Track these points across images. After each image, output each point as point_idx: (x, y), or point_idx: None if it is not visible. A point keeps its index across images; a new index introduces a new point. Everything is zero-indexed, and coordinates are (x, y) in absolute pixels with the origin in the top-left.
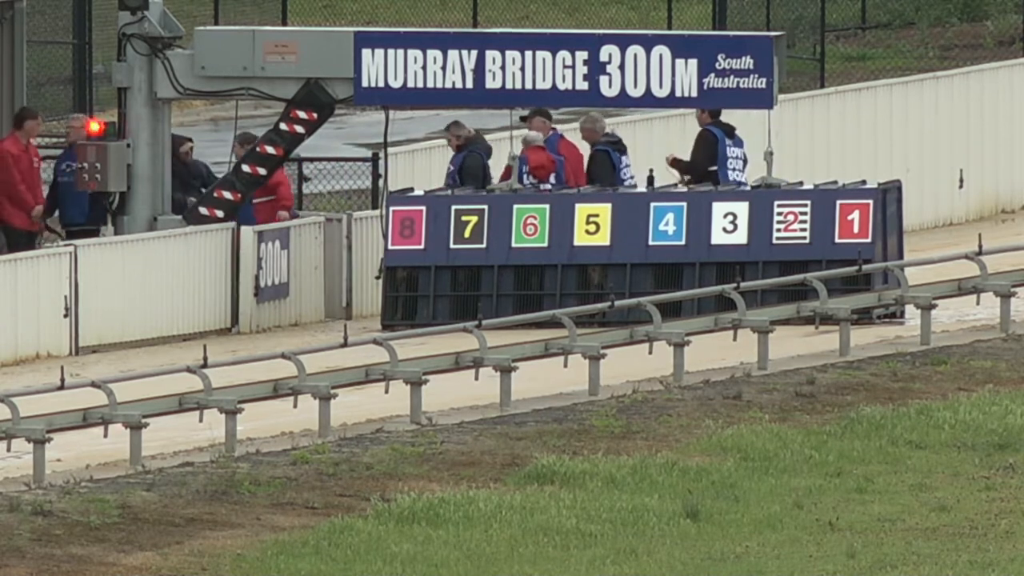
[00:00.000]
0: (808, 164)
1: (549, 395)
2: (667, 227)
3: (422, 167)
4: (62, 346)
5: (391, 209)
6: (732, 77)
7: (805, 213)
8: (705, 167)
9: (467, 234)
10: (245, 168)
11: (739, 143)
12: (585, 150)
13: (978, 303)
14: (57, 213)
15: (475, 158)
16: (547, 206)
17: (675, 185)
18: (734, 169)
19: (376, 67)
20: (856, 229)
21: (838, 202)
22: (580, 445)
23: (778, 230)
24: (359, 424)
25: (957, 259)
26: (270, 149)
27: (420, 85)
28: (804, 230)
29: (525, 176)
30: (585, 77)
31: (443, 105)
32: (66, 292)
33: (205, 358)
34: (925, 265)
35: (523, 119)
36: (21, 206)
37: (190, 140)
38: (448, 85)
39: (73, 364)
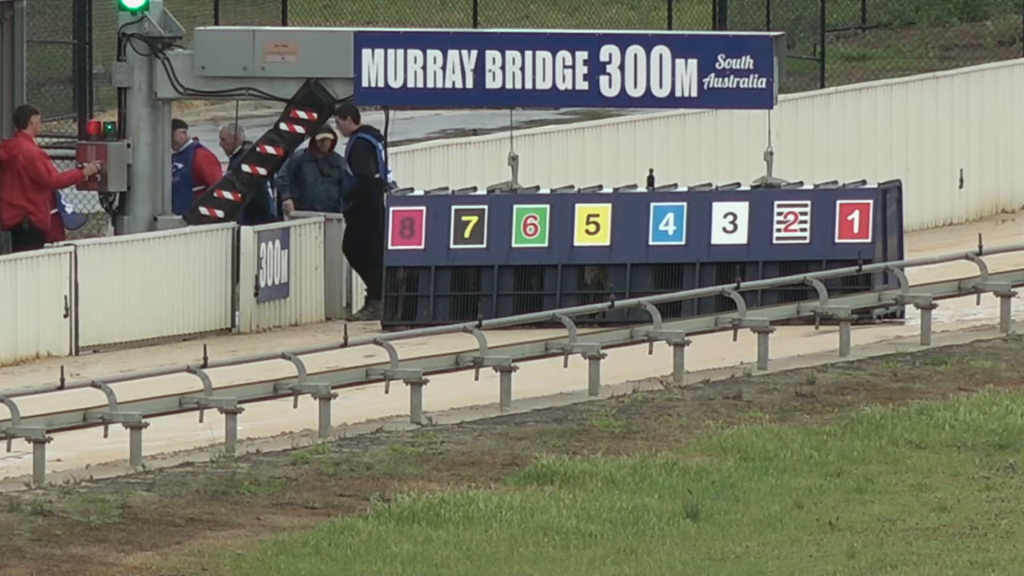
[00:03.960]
0: (808, 164)
1: (549, 395)
2: (667, 227)
3: (422, 167)
4: (62, 346)
5: (391, 209)
6: (732, 77)
7: (805, 213)
8: (372, 175)
9: (467, 234)
10: (245, 168)
11: (383, 145)
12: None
13: (978, 303)
14: None
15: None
16: (547, 206)
17: (675, 185)
18: (389, 171)
19: (376, 67)
20: (856, 229)
21: (838, 202)
22: (580, 445)
23: (778, 230)
24: (359, 424)
25: (957, 259)
26: (270, 149)
27: (420, 85)
28: (804, 230)
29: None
30: (585, 77)
31: (443, 105)
32: (66, 292)
33: (205, 358)
34: (925, 265)
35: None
36: (47, 206)
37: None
38: (448, 85)
39: (73, 364)
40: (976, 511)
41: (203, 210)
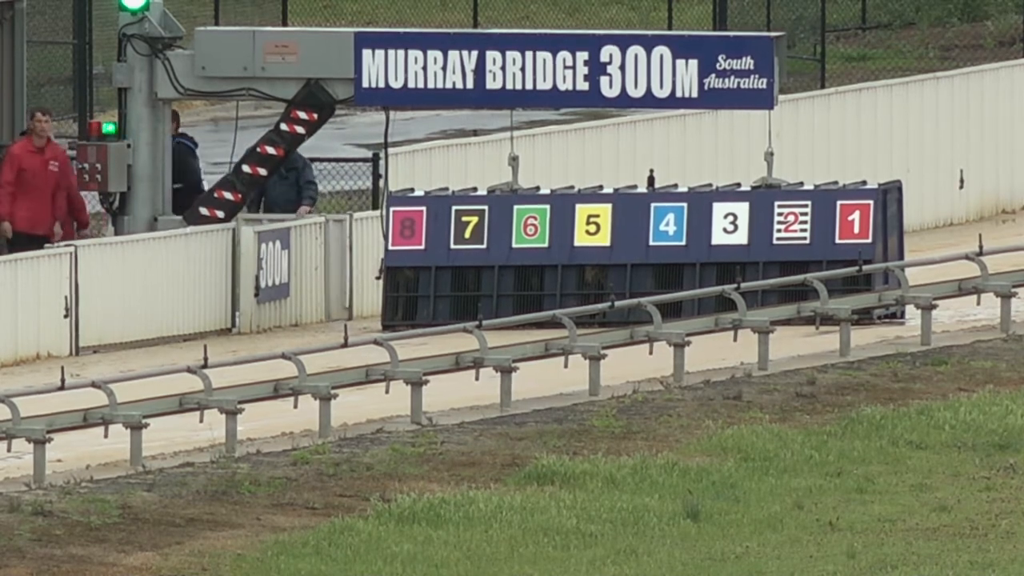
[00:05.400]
0: (808, 164)
1: (549, 395)
2: (667, 227)
3: (422, 167)
4: (62, 346)
5: (391, 209)
6: (732, 77)
7: (805, 213)
8: (200, 183)
9: (467, 234)
10: (245, 168)
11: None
12: None
13: (978, 303)
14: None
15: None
16: (547, 207)
17: (675, 185)
18: (202, 179)
19: (376, 67)
20: (856, 229)
21: (838, 202)
22: (580, 445)
23: (778, 230)
24: (359, 424)
25: (957, 259)
26: (270, 149)
27: (420, 85)
28: (804, 230)
29: None
30: (586, 78)
31: (443, 105)
32: (66, 292)
33: (205, 358)
34: (925, 265)
35: None
36: (25, 209)
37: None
38: (448, 85)
39: (73, 364)
40: (976, 511)
41: (203, 210)
